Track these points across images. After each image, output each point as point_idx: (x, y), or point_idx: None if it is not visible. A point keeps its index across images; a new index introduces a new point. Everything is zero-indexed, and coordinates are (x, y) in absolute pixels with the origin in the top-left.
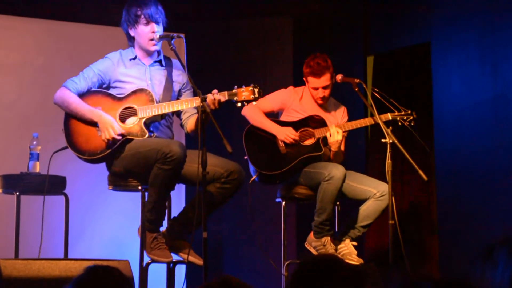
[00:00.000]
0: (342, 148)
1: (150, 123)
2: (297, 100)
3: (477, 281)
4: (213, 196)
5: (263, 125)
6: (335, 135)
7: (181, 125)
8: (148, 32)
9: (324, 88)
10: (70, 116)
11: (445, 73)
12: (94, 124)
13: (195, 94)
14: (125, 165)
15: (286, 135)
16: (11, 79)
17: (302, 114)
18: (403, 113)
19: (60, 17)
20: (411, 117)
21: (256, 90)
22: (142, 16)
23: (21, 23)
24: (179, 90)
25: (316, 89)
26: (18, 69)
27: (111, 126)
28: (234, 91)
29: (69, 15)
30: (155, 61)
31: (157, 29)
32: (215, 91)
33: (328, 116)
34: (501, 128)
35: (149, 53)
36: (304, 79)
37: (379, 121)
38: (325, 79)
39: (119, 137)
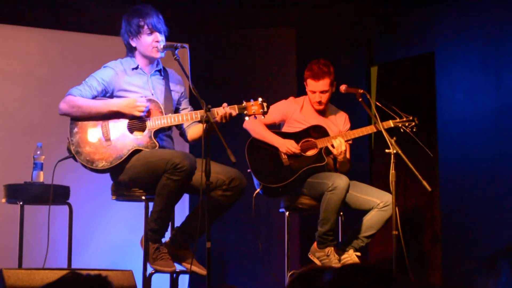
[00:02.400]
0: (348, 156)
1: (157, 133)
2: (298, 110)
3: None
4: (216, 204)
5: (265, 138)
6: (339, 147)
7: (181, 134)
8: (152, 41)
9: (322, 92)
10: (76, 125)
11: (448, 83)
12: (100, 133)
13: (191, 103)
14: (132, 174)
15: (287, 147)
16: (15, 88)
17: (304, 124)
18: (404, 119)
19: (64, 27)
20: (413, 123)
21: (265, 104)
22: (145, 27)
23: (25, 33)
24: (178, 99)
25: (314, 92)
26: (22, 78)
27: (133, 102)
28: (243, 105)
29: (73, 25)
30: (156, 71)
31: (160, 38)
32: (224, 104)
33: (330, 124)
34: (505, 138)
35: (151, 61)
36: (304, 83)
37: (382, 129)
38: (324, 84)
39: (147, 104)
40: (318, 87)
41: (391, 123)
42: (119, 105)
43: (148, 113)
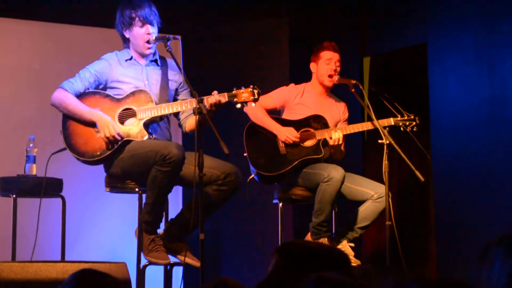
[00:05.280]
0: (342, 147)
1: (149, 124)
2: (299, 97)
3: (474, 281)
4: (210, 198)
5: (265, 124)
6: (337, 140)
7: (179, 125)
8: (144, 33)
9: (337, 62)
10: (68, 118)
11: (441, 74)
12: (92, 125)
13: (192, 94)
14: (123, 166)
15: (286, 136)
16: (8, 81)
17: (304, 110)
18: (405, 118)
19: (57, 20)
20: (414, 123)
21: (255, 91)
22: (137, 19)
23: (18, 26)
24: (176, 89)
25: (329, 62)
26: (15, 72)
27: (111, 125)
28: (233, 92)
29: (66, 18)
30: (151, 61)
31: (152, 31)
32: (215, 92)
33: (330, 111)
34: (498, 128)
35: (144, 55)
36: (312, 63)
37: (379, 126)
38: (339, 56)
39: (119, 137)
40: (335, 56)
41: (391, 121)
42: (100, 118)
43: (137, 103)
